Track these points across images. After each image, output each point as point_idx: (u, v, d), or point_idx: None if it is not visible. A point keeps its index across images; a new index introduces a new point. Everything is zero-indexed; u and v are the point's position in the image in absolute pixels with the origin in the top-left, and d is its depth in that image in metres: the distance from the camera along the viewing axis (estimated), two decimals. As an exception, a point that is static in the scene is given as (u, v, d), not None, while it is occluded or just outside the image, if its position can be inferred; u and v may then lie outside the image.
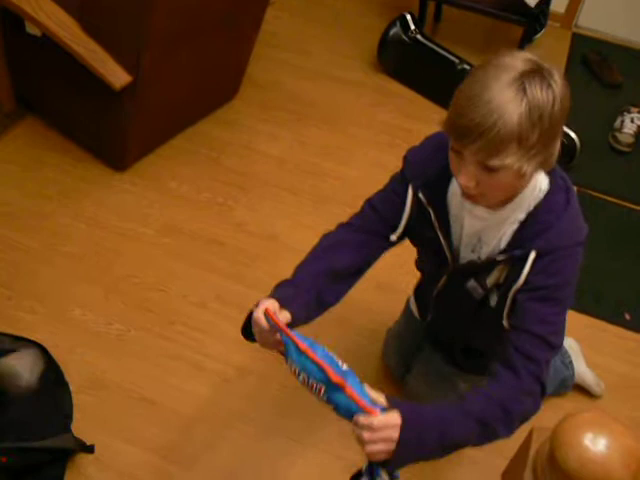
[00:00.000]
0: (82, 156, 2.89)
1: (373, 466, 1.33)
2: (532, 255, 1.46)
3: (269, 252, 2.65)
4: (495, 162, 1.30)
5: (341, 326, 2.42)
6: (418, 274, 2.04)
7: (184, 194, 2.81)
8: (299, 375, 1.36)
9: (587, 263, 3.05)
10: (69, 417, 2.09)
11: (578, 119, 3.40)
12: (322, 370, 1.30)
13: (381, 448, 1.29)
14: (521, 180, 1.39)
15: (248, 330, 1.57)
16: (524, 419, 1.35)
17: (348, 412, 1.30)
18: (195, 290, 2.49)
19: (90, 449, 2.01)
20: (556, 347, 1.42)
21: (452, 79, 3.27)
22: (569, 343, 2.37)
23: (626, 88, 3.66)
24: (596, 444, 0.86)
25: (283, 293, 1.57)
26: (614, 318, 2.65)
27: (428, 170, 1.59)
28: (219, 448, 2.11)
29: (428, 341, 2.13)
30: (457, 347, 1.99)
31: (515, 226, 1.51)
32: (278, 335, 1.44)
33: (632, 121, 3.29)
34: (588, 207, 2.94)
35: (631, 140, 3.29)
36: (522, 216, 1.50)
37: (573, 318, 2.62)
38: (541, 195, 1.48)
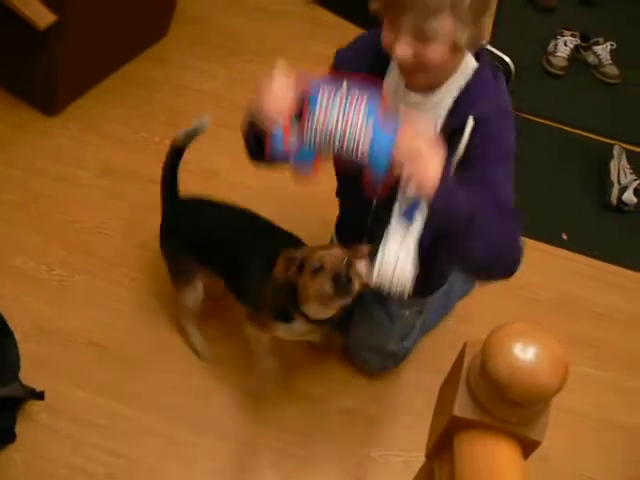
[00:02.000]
0: (13, 102, 2.81)
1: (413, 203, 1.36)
2: (470, 123, 1.45)
3: (210, 190, 2.59)
4: (432, 25, 1.31)
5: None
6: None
7: (120, 135, 2.76)
8: (330, 123, 1.29)
9: (523, 185, 3.11)
10: (16, 366, 2.07)
11: (512, 43, 3.41)
12: (361, 102, 1.28)
13: (418, 176, 1.28)
14: (455, 55, 1.41)
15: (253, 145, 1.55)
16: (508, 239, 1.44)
17: (384, 150, 1.28)
18: (136, 231, 2.47)
19: (40, 396, 2.01)
20: (510, 206, 1.48)
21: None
22: None
23: (560, 12, 3.68)
24: (525, 353, 0.88)
25: None
26: (552, 238, 2.72)
27: (360, 65, 1.56)
28: (170, 386, 2.14)
29: None
30: None
31: (449, 107, 1.51)
32: (290, 97, 1.35)
33: (565, 44, 3.32)
34: (524, 130, 2.97)
35: (564, 64, 3.32)
36: (455, 94, 1.50)
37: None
38: (471, 72, 1.50)
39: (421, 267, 1.49)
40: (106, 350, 2.18)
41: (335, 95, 1.30)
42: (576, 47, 3.36)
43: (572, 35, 3.34)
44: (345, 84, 1.32)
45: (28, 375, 2.06)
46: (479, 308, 2.37)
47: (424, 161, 1.29)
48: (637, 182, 2.81)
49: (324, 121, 1.30)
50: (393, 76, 1.57)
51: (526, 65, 3.27)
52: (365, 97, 1.30)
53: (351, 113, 1.29)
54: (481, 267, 1.51)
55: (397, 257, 1.44)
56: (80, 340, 2.20)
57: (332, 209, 2.05)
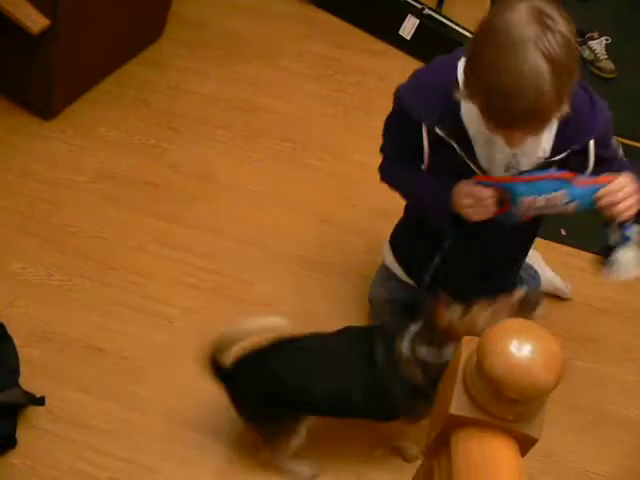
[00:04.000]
0: (8, 107, 2.80)
1: (624, 226, 1.57)
2: (591, 143, 1.61)
3: (206, 191, 2.63)
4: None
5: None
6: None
7: (115, 139, 2.76)
8: (537, 201, 1.54)
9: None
10: (16, 371, 2.07)
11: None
12: (552, 180, 1.52)
13: (632, 201, 1.53)
14: None
15: None
16: None
17: (589, 198, 1.54)
18: (133, 234, 2.47)
19: (40, 401, 2.01)
20: None
21: (390, 9, 3.22)
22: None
23: (553, 5, 3.67)
24: (521, 350, 0.88)
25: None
26: (551, 234, 2.71)
27: (435, 104, 1.58)
28: (172, 390, 2.13)
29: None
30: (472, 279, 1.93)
31: (554, 130, 1.59)
32: (492, 192, 1.56)
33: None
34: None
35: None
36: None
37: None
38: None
39: None
40: (105, 353, 2.18)
41: (531, 186, 1.54)
42: (571, 42, 3.36)
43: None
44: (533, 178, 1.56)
45: (28, 380, 2.06)
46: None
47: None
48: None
49: (531, 205, 1.56)
50: (475, 120, 1.57)
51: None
52: (558, 180, 1.54)
53: (553, 195, 1.54)
54: None
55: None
56: (79, 344, 2.19)
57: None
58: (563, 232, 2.72)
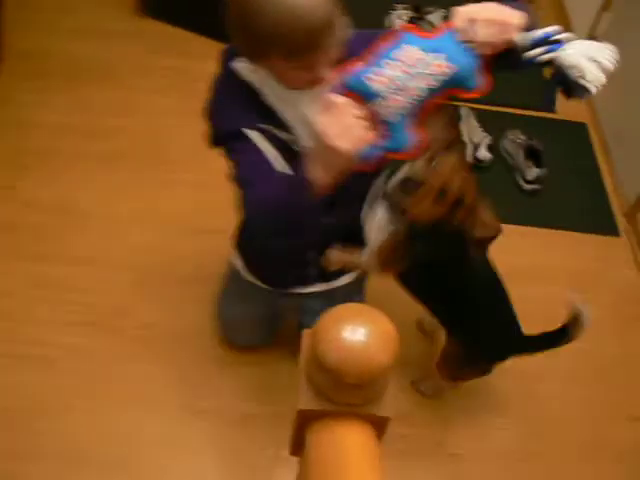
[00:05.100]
0: None
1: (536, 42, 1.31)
2: None
3: (70, 223, 2.56)
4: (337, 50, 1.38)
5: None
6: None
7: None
8: (391, 75, 1.24)
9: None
10: None
11: (351, 26, 3.46)
12: (395, 44, 1.26)
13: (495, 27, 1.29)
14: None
15: None
16: None
17: (456, 45, 1.25)
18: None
19: None
20: None
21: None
22: None
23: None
24: (355, 334, 0.89)
25: None
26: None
27: (240, 107, 1.52)
28: (63, 433, 2.07)
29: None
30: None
31: None
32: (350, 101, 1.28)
33: (399, 18, 3.39)
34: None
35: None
36: None
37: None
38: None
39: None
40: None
41: (370, 63, 1.27)
42: (411, 19, 3.44)
43: (405, 8, 3.42)
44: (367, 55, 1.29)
45: None
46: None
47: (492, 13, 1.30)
48: (488, 138, 2.91)
49: (390, 82, 1.24)
50: (278, 98, 1.53)
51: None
52: (397, 39, 1.26)
53: (402, 55, 1.25)
54: None
55: None
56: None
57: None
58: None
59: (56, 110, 2.93)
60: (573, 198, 2.93)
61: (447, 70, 1.22)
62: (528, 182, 2.86)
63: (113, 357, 2.24)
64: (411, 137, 1.28)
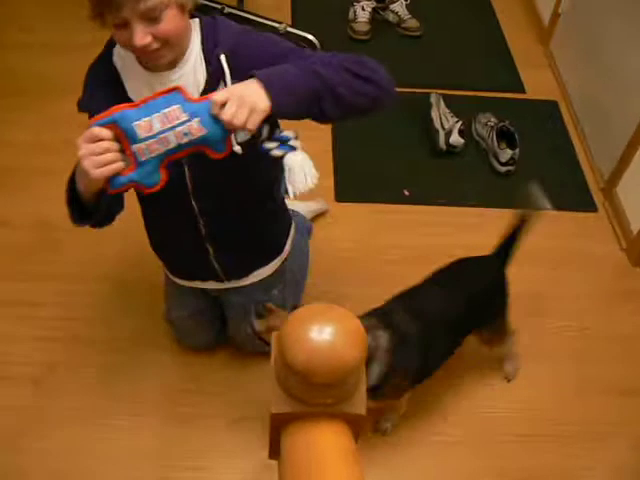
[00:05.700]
0: None
1: (260, 130, 1.43)
2: (223, 59, 1.54)
3: (46, 240, 2.55)
4: (149, 2, 1.40)
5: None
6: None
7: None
8: (153, 123, 1.38)
9: (357, 152, 3.15)
10: None
11: (314, 20, 3.46)
12: (161, 97, 1.38)
13: (244, 111, 1.35)
14: (184, 18, 1.50)
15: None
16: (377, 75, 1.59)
17: (207, 114, 1.38)
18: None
19: None
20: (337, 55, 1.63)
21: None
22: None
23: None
24: (322, 333, 0.89)
25: None
26: (395, 198, 2.78)
27: (103, 98, 1.54)
28: (53, 452, 2.06)
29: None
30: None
31: (203, 64, 1.57)
32: (107, 131, 1.37)
33: (363, 9, 3.38)
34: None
35: (367, 27, 3.39)
36: (198, 50, 1.57)
37: (357, 210, 2.74)
38: (198, 27, 1.58)
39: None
40: None
41: (141, 109, 1.39)
42: (374, 9, 3.43)
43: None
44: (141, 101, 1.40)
45: None
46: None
47: (246, 97, 1.36)
48: (459, 123, 2.90)
49: (149, 130, 1.38)
50: (135, 81, 1.59)
51: (332, 37, 3.33)
52: (166, 96, 1.39)
53: (167, 110, 1.38)
54: (365, 108, 1.66)
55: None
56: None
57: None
58: (406, 193, 2.80)
59: (25, 128, 2.93)
60: (549, 177, 2.93)
61: (198, 133, 1.39)
62: (502, 164, 2.86)
63: (95, 369, 2.23)
64: (157, 177, 1.45)
